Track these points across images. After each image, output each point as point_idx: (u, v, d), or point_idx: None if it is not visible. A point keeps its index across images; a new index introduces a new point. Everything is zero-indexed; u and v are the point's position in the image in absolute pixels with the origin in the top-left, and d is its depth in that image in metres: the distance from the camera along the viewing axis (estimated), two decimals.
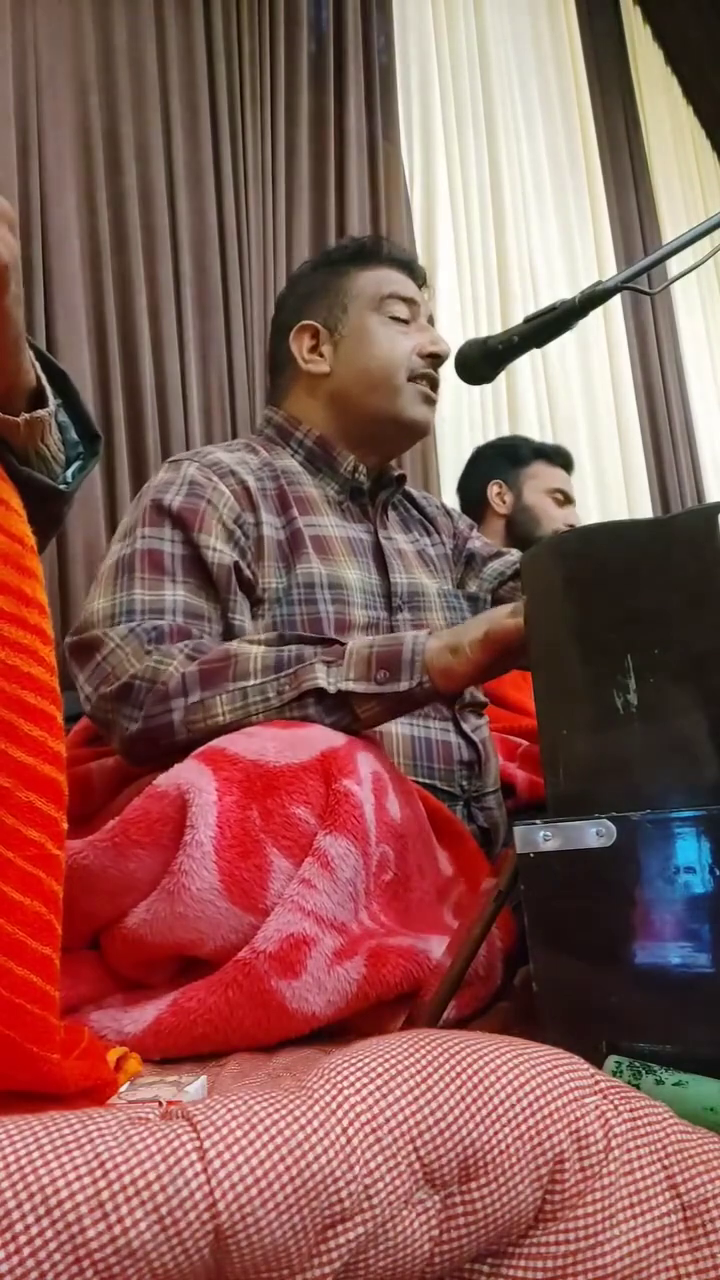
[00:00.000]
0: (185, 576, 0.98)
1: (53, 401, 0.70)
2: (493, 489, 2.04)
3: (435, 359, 1.15)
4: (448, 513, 1.35)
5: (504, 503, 2.02)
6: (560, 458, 2.06)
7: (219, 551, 1.00)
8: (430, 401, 1.17)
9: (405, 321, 1.16)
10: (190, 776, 0.77)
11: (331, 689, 0.84)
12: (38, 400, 0.69)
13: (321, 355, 1.16)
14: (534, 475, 2.00)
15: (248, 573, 1.02)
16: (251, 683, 0.86)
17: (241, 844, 0.74)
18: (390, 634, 0.89)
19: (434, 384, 1.17)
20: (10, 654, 0.55)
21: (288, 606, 1.02)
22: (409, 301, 1.17)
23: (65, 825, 0.55)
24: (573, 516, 2.01)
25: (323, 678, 0.85)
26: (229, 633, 0.99)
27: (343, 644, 0.88)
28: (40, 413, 0.68)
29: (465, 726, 1.11)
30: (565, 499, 2.00)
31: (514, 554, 1.34)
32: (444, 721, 1.09)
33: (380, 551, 1.14)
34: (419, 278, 1.22)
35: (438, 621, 1.14)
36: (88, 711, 0.94)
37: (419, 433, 1.19)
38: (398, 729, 1.04)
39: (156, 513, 1.01)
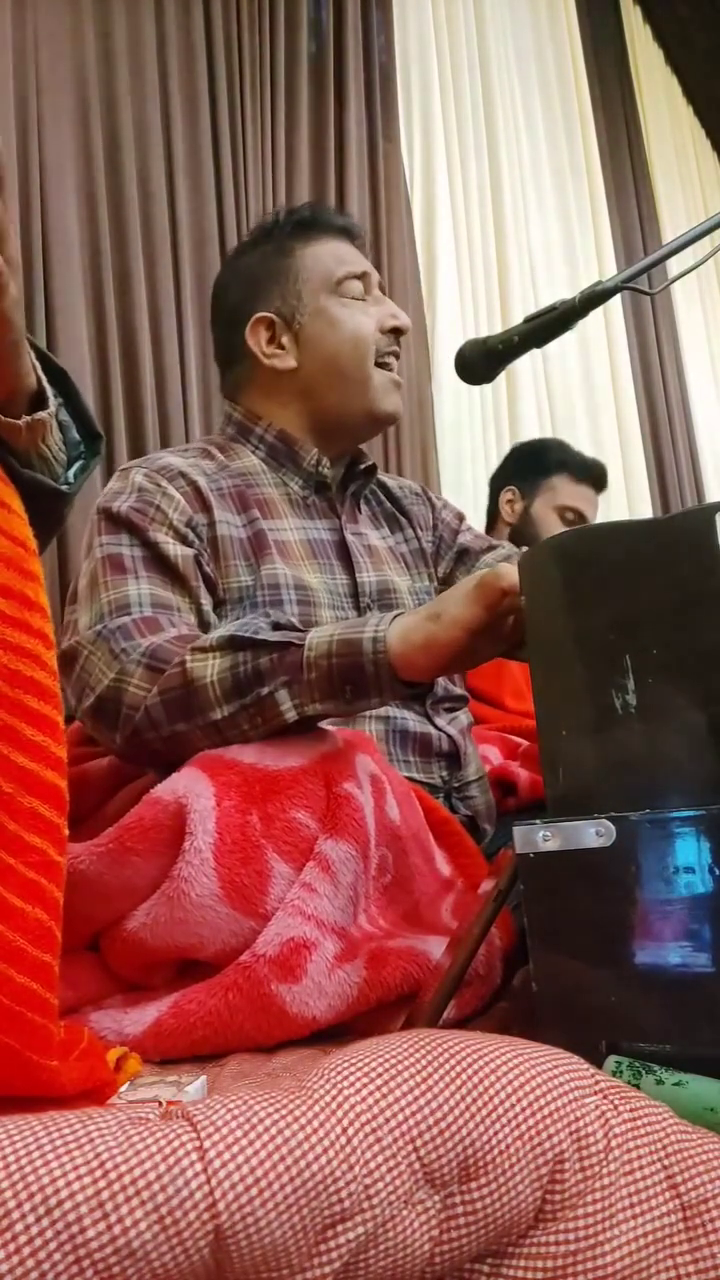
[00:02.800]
0: (148, 573, 0.97)
1: (53, 401, 0.70)
2: (505, 495, 1.97)
3: (397, 333, 1.13)
4: (428, 501, 1.30)
5: (513, 511, 1.95)
6: (588, 474, 1.95)
7: (176, 545, 0.99)
8: (398, 386, 1.14)
9: (362, 299, 1.13)
10: (188, 783, 0.76)
11: (300, 715, 0.81)
12: (38, 401, 0.69)
13: (283, 347, 1.13)
14: (550, 488, 1.92)
15: (207, 569, 1.01)
16: (220, 715, 0.82)
17: (242, 849, 0.74)
18: (348, 632, 0.81)
19: (397, 357, 1.14)
20: (13, 658, 0.55)
21: (252, 608, 1.00)
22: (362, 276, 1.14)
23: (66, 832, 0.55)
24: None
25: (288, 709, 0.81)
26: (203, 622, 0.98)
27: (298, 645, 0.82)
28: (41, 414, 0.68)
29: (439, 721, 1.10)
30: (577, 518, 1.91)
31: (507, 547, 1.31)
32: (419, 716, 1.08)
33: (346, 549, 1.12)
34: (360, 241, 1.19)
35: None
36: (79, 720, 0.94)
37: (390, 422, 1.17)
38: (373, 726, 1.04)
39: (108, 520, 1.00)
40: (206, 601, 0.99)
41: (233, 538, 1.03)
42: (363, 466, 1.20)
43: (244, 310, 1.15)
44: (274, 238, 1.17)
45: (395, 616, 0.82)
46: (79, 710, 0.91)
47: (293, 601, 1.02)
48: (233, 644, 0.84)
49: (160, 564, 0.98)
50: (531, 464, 1.98)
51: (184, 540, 1.00)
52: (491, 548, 1.29)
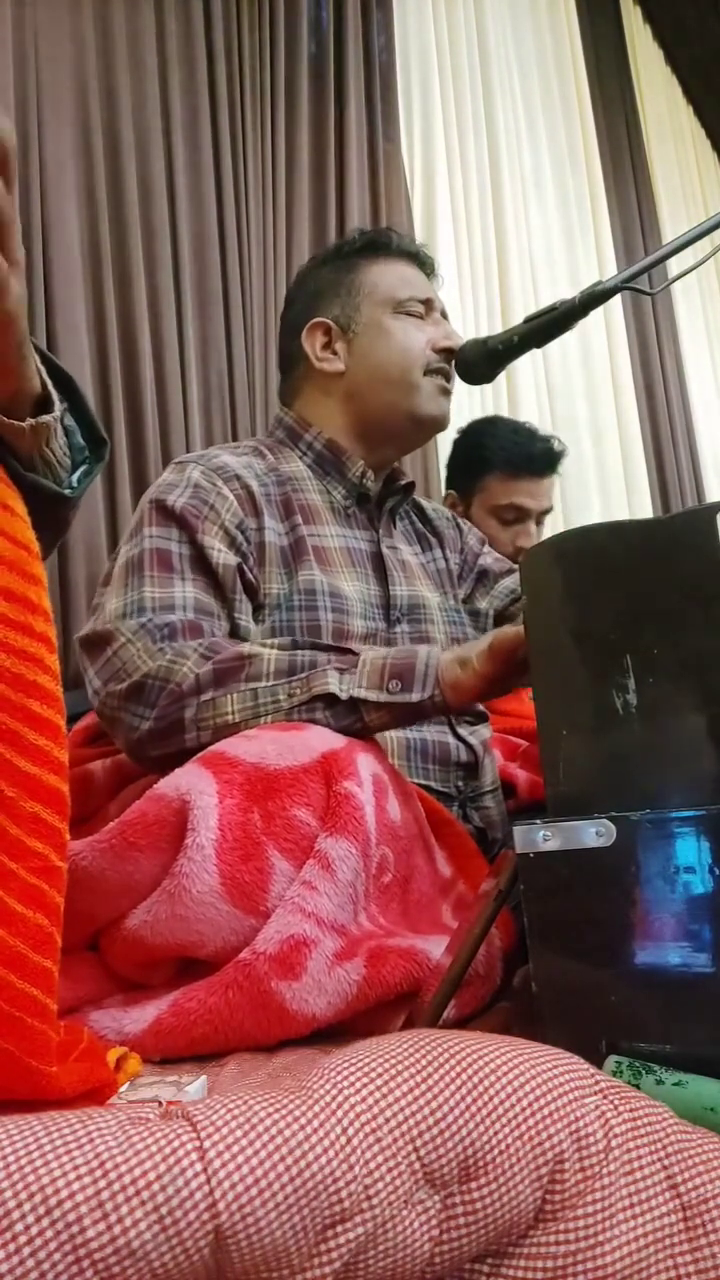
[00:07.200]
0: (194, 575, 0.98)
1: (58, 406, 0.70)
2: (447, 501, 1.91)
3: (449, 353, 1.15)
4: (457, 526, 1.33)
5: (457, 515, 1.92)
6: (523, 466, 1.80)
7: (222, 552, 0.99)
8: (447, 393, 1.16)
9: (420, 318, 1.15)
10: (191, 780, 0.76)
11: (343, 695, 0.85)
12: (43, 405, 0.69)
13: (335, 353, 1.15)
14: (483, 489, 1.82)
15: (250, 576, 1.02)
16: (263, 684, 0.86)
17: (243, 847, 0.74)
18: (405, 646, 0.90)
19: (448, 376, 1.16)
20: (16, 661, 0.54)
21: (288, 612, 1.01)
22: (425, 302, 1.16)
23: (68, 836, 0.55)
24: (523, 535, 1.78)
25: (335, 684, 0.85)
26: (234, 633, 0.99)
27: (356, 654, 0.89)
28: (46, 418, 0.68)
29: (462, 731, 1.11)
30: (517, 513, 1.79)
31: None
32: (440, 725, 1.09)
33: (381, 561, 1.14)
34: (429, 268, 1.21)
35: (437, 635, 1.14)
36: (95, 706, 0.94)
37: (437, 427, 1.18)
38: (393, 731, 1.04)
39: (161, 513, 1.01)
40: (242, 614, 1.00)
41: (276, 545, 1.05)
42: (401, 483, 1.22)
43: (304, 317, 1.17)
44: (343, 254, 1.20)
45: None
46: (105, 691, 0.91)
47: (327, 608, 1.03)
48: (295, 644, 0.91)
49: (204, 567, 0.99)
50: (464, 466, 1.89)
51: (232, 543, 1.01)
52: (510, 571, 1.31)
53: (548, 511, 1.85)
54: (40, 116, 1.69)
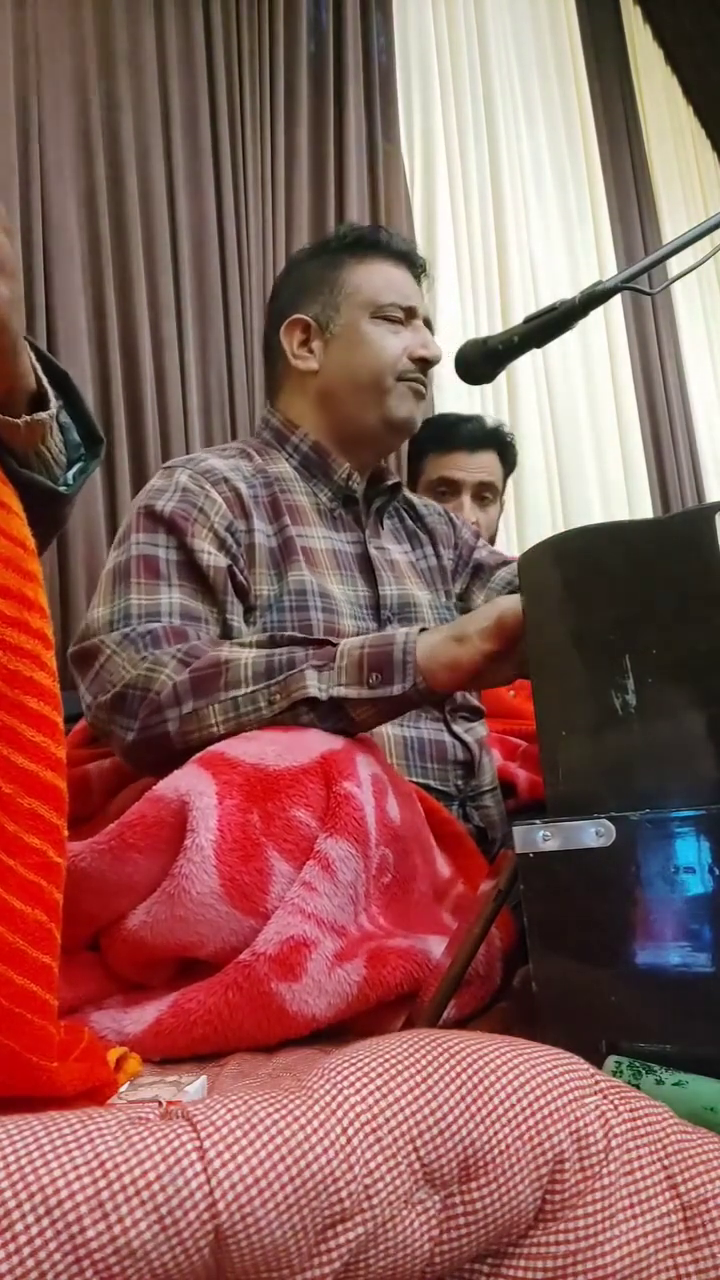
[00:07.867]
0: (181, 580, 0.98)
1: (54, 404, 0.70)
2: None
3: (424, 363, 1.14)
4: (450, 521, 1.32)
5: None
6: (454, 441, 1.80)
7: (212, 554, 0.99)
8: (419, 396, 1.15)
9: (400, 323, 1.14)
10: (190, 781, 0.76)
11: (323, 696, 0.83)
12: (39, 403, 0.69)
13: (311, 351, 1.15)
14: (423, 471, 1.84)
15: (241, 578, 1.01)
16: (243, 691, 0.85)
17: (242, 848, 0.74)
18: (381, 633, 0.87)
19: (422, 383, 1.15)
20: (12, 659, 0.55)
21: (278, 613, 1.01)
22: (407, 309, 1.14)
23: (66, 833, 0.55)
24: (457, 511, 1.74)
25: (313, 685, 0.83)
26: (226, 635, 0.98)
27: (334, 644, 0.87)
28: (41, 415, 0.68)
29: (457, 729, 1.11)
30: (449, 486, 1.78)
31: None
32: (436, 723, 1.09)
33: (369, 562, 1.13)
34: (418, 269, 1.19)
35: None
36: (89, 720, 0.94)
37: (407, 430, 1.18)
38: (390, 730, 1.04)
39: (149, 519, 1.01)
40: (233, 615, 1.00)
41: (265, 546, 1.05)
42: (388, 483, 1.22)
43: (286, 312, 1.17)
44: (331, 249, 1.19)
45: (421, 630, 0.86)
46: (94, 704, 0.91)
47: (318, 608, 1.03)
48: (272, 640, 0.89)
49: (193, 571, 0.99)
50: (410, 458, 1.91)
51: (222, 545, 1.01)
52: (505, 562, 1.30)
53: (487, 488, 1.82)
54: (40, 116, 1.69)
